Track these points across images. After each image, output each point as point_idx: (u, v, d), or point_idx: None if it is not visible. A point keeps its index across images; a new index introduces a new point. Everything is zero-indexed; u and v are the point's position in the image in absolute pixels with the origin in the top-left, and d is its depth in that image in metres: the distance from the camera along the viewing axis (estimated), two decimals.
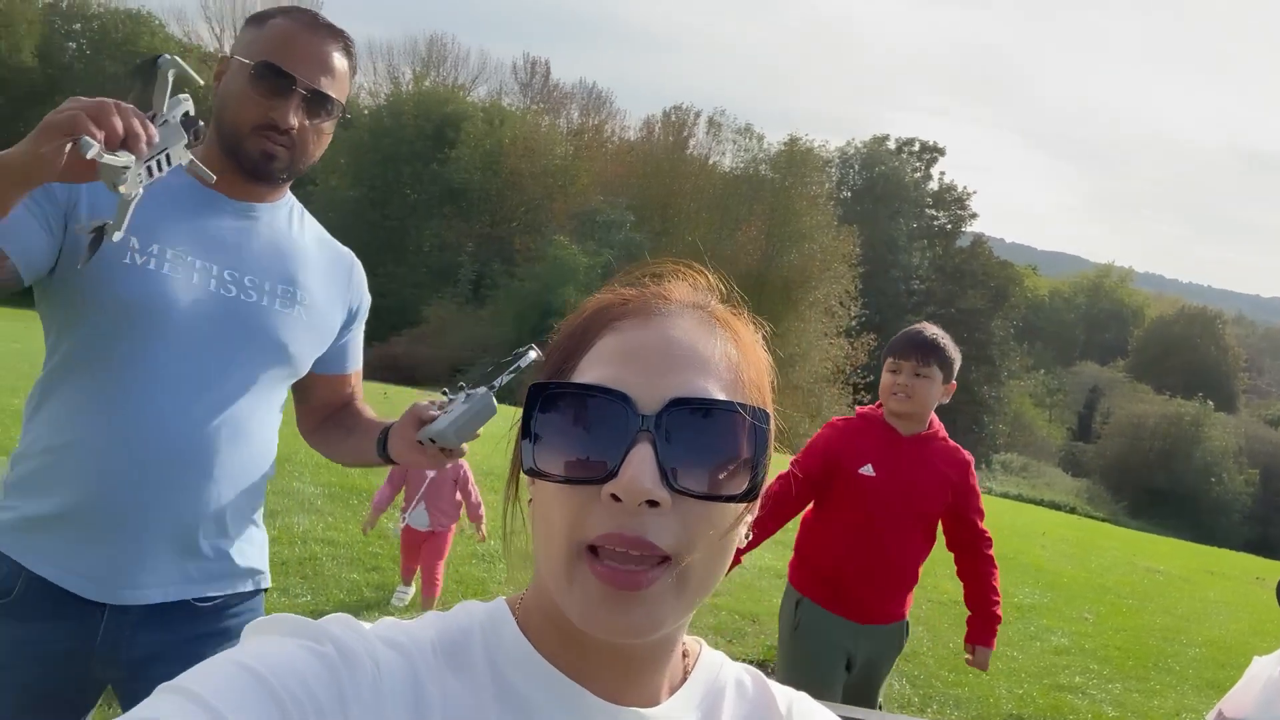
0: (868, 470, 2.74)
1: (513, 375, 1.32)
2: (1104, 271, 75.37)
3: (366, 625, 0.65)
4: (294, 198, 1.69)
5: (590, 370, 0.63)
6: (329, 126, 1.59)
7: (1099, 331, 69.32)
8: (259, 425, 1.58)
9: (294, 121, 1.50)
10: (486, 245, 34.82)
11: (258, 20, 1.56)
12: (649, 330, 0.63)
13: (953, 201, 52.78)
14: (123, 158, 1.11)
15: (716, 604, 5.97)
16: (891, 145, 52.90)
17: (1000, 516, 19.30)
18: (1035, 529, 15.10)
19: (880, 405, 2.88)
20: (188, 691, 0.54)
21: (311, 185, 34.49)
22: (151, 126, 1.17)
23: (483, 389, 1.40)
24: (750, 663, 4.40)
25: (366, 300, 1.80)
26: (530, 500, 0.67)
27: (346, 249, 1.76)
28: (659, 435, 0.58)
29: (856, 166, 51.85)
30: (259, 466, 1.60)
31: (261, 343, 1.54)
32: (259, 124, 1.49)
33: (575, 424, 0.60)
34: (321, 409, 1.80)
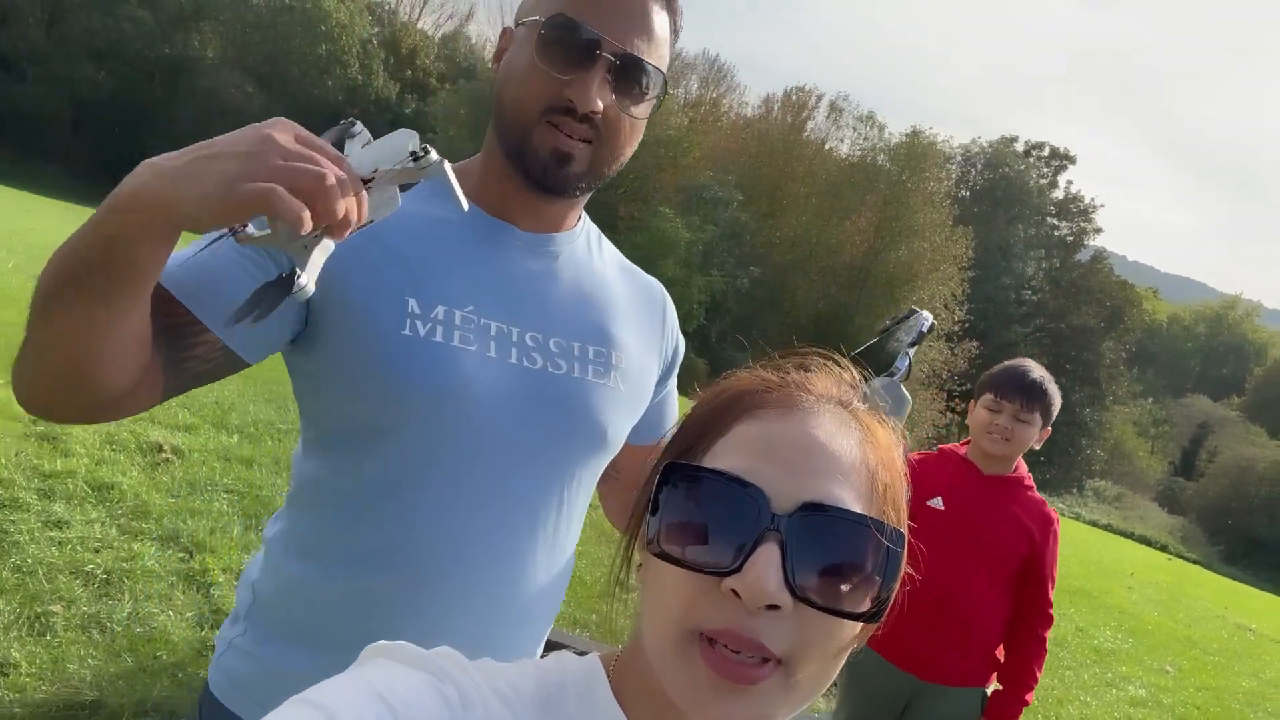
0: (936, 503, 2.58)
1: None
2: (1230, 303, 71.40)
3: (474, 667, 0.65)
4: (588, 217, 1.29)
5: (725, 456, 0.61)
6: (646, 111, 1.12)
7: (1216, 365, 65.92)
8: (570, 538, 1.21)
9: (598, 102, 1.05)
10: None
11: None
12: (789, 424, 0.62)
13: (1077, 213, 50.52)
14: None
15: None
16: (1019, 148, 50.87)
17: (1089, 548, 18.67)
18: (1123, 568, 14.51)
19: (966, 443, 2.74)
20: (321, 707, 0.54)
21: (432, 134, 35.20)
22: (364, 202, 0.79)
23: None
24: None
25: (681, 345, 1.40)
26: (640, 565, 0.66)
27: (654, 280, 1.36)
28: (788, 537, 0.56)
29: (979, 166, 50.06)
30: (561, 589, 1.24)
31: (576, 428, 1.14)
32: (550, 106, 1.06)
33: (704, 510, 0.59)
34: (632, 484, 1.35)
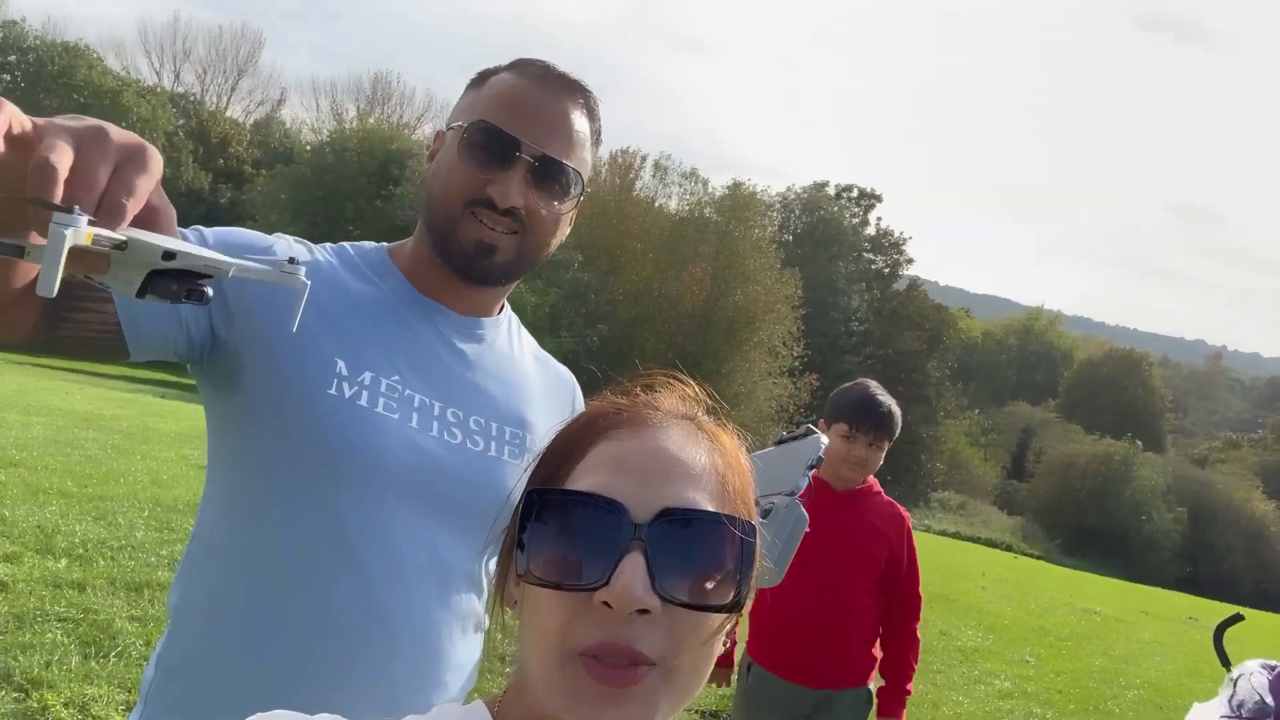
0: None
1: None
2: (1034, 315, 77.83)
3: None
4: (509, 306, 1.34)
5: (584, 478, 0.64)
6: (567, 207, 1.19)
7: (1030, 373, 71.34)
8: (478, 612, 1.21)
9: (518, 199, 1.12)
10: None
11: (478, 80, 1.22)
12: (641, 440, 0.65)
13: (889, 246, 54.12)
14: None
15: None
16: (831, 191, 54.13)
17: (941, 555, 19.62)
18: (975, 569, 15.36)
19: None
20: None
21: (252, 221, 33.98)
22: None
23: None
24: (703, 713, 4.32)
25: None
26: (515, 603, 0.68)
27: (565, 370, 1.41)
28: (651, 544, 0.59)
29: (798, 211, 52.87)
30: (475, 659, 1.22)
31: (492, 506, 1.12)
32: (473, 199, 1.13)
33: (568, 530, 0.62)
34: None
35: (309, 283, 0.74)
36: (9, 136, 0.60)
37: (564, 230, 1.23)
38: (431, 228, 1.18)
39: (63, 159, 0.59)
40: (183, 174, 39.57)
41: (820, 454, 1.32)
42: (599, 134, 1.24)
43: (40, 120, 0.63)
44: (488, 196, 1.13)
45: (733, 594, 0.62)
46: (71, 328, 0.96)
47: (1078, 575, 24.99)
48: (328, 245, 1.23)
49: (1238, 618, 3.48)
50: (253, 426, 1.09)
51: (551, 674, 0.61)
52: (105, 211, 0.60)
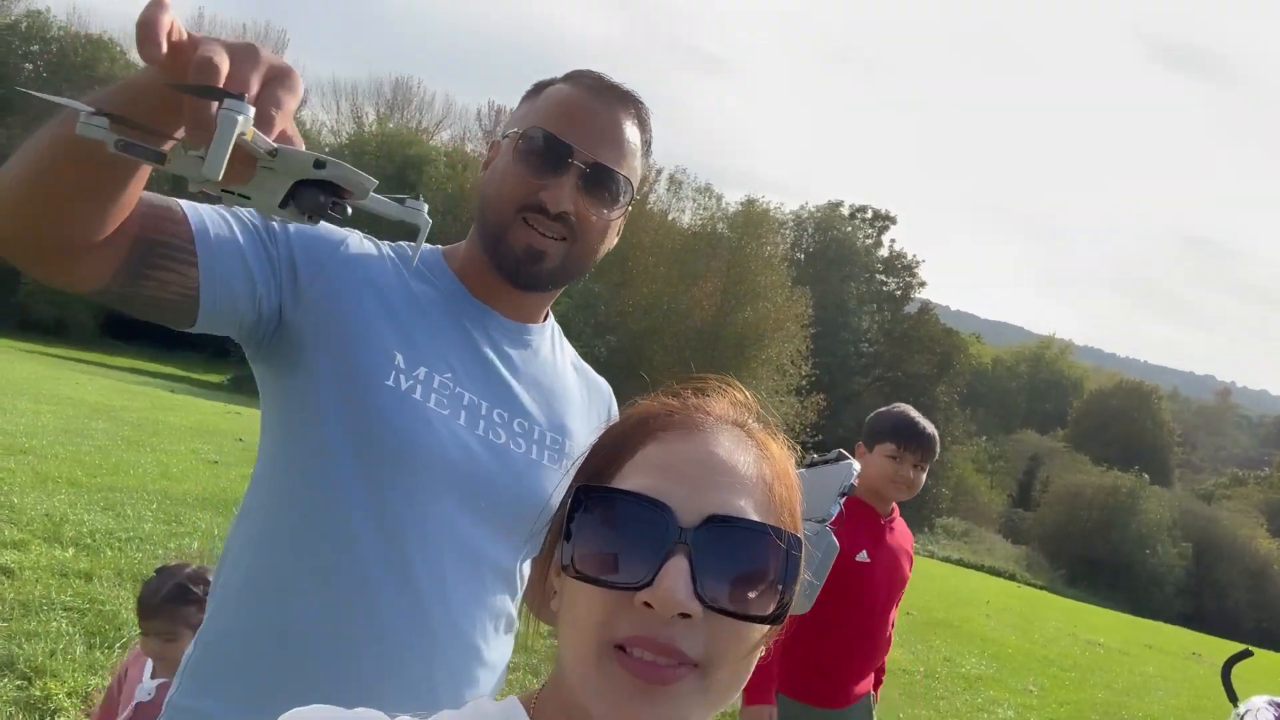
0: (863, 557, 2.73)
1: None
2: (1045, 343, 77.63)
3: None
4: (553, 315, 1.37)
5: (633, 477, 0.64)
6: (617, 215, 1.22)
7: (1040, 401, 71.08)
8: (515, 606, 1.24)
9: (569, 204, 1.15)
10: None
11: (534, 90, 1.26)
12: (691, 444, 0.65)
13: (902, 269, 54.03)
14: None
15: None
16: (845, 211, 54.14)
17: (945, 581, 19.50)
18: (979, 596, 15.26)
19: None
20: None
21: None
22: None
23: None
24: None
25: None
26: (555, 594, 0.69)
27: (602, 380, 1.45)
28: (696, 549, 0.59)
29: (810, 230, 52.87)
30: (507, 653, 1.25)
31: (529, 507, 1.16)
32: (525, 204, 1.16)
33: (615, 528, 0.62)
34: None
35: (430, 221, 0.77)
36: (170, 41, 0.63)
37: (612, 238, 1.26)
38: (484, 232, 1.21)
39: (223, 61, 0.64)
40: None
41: (854, 481, 1.30)
42: (649, 144, 1.27)
43: (196, 33, 0.68)
44: (540, 201, 1.16)
45: (775, 605, 0.62)
46: (151, 286, 0.98)
47: (1081, 606, 24.80)
48: (387, 242, 1.26)
49: (1246, 653, 3.45)
50: (309, 409, 1.11)
51: (588, 667, 0.61)
52: (256, 120, 0.64)
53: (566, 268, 1.21)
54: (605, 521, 0.62)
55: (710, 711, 0.63)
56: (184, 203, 1.02)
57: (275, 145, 0.65)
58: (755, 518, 0.63)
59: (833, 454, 1.42)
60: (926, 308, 53.43)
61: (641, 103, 1.24)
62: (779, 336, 35.32)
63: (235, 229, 1.05)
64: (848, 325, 48.45)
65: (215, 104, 0.62)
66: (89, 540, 5.35)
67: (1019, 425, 65.60)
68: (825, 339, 42.35)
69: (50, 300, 33.19)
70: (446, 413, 1.14)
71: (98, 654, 3.80)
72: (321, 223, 1.11)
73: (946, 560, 35.91)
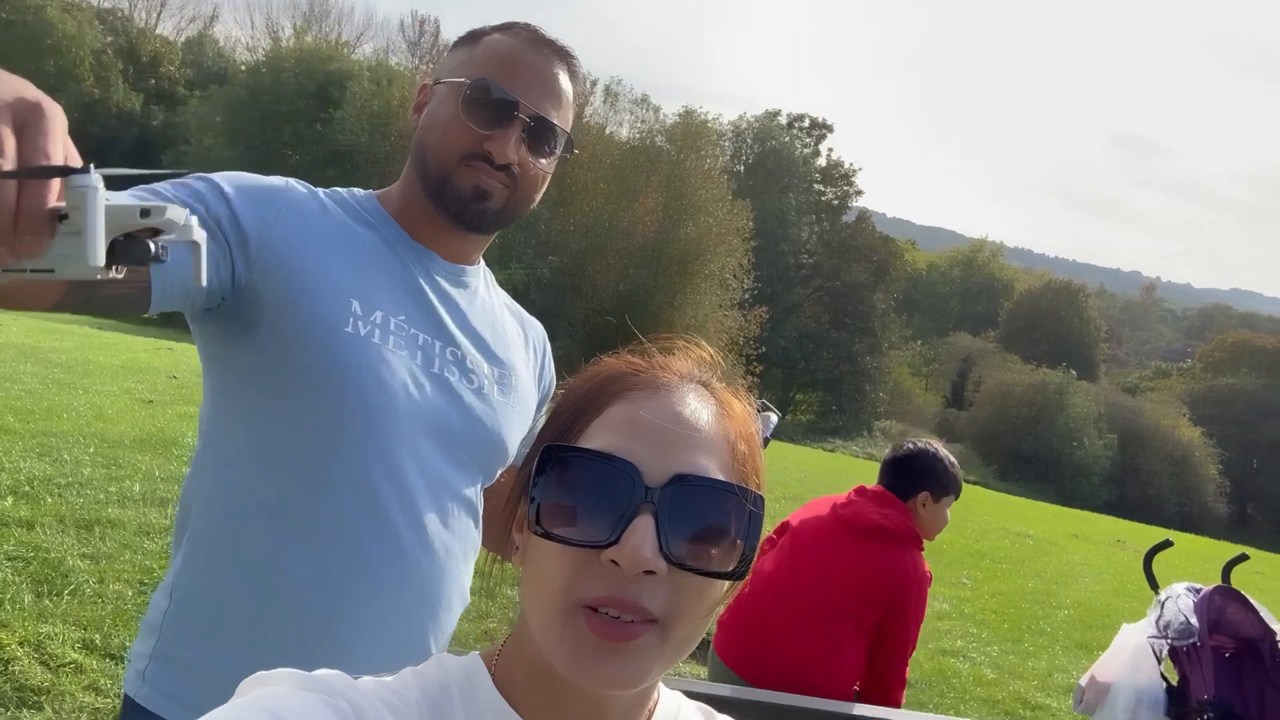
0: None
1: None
2: (977, 246, 78.91)
3: (359, 682, 0.67)
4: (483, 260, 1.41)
5: (599, 437, 0.65)
6: (552, 165, 1.28)
7: (972, 303, 72.70)
8: (477, 534, 1.30)
9: (513, 155, 1.20)
10: None
11: (470, 38, 1.28)
12: (656, 403, 0.66)
13: (840, 178, 54.16)
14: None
15: None
16: (783, 120, 53.77)
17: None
18: None
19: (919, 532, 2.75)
20: None
21: (185, 145, 32.71)
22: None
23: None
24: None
25: (553, 379, 1.50)
26: (517, 549, 0.70)
27: (533, 318, 1.50)
28: (661, 507, 0.61)
29: (749, 141, 52.49)
30: (469, 579, 1.30)
31: (484, 435, 1.26)
32: (469, 153, 1.20)
33: (581, 487, 0.63)
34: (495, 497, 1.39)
35: (204, 235, 0.68)
36: None
37: (545, 185, 1.31)
38: (425, 177, 1.24)
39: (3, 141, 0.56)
40: (113, 95, 37.74)
41: (769, 434, 1.35)
42: (581, 95, 1.33)
43: None
44: (485, 152, 1.20)
45: (737, 561, 0.64)
46: (104, 292, 0.95)
47: (1012, 500, 25.94)
48: (323, 190, 1.27)
49: (1167, 544, 3.64)
50: (270, 365, 1.14)
51: (553, 626, 0.63)
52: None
53: (506, 211, 1.25)
54: (571, 481, 0.63)
55: (669, 665, 0.65)
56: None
57: (139, 204, 0.59)
58: (719, 476, 0.64)
59: (756, 405, 1.47)
60: (864, 216, 53.85)
61: (575, 57, 1.29)
62: (721, 251, 35.37)
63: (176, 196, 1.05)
64: (787, 237, 48.64)
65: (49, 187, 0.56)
66: (27, 488, 5.24)
67: (952, 328, 67.17)
68: (766, 251, 42.52)
69: None
70: (404, 353, 1.18)
71: (46, 602, 3.77)
72: (260, 181, 1.10)
73: None
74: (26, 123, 0.59)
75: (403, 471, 1.16)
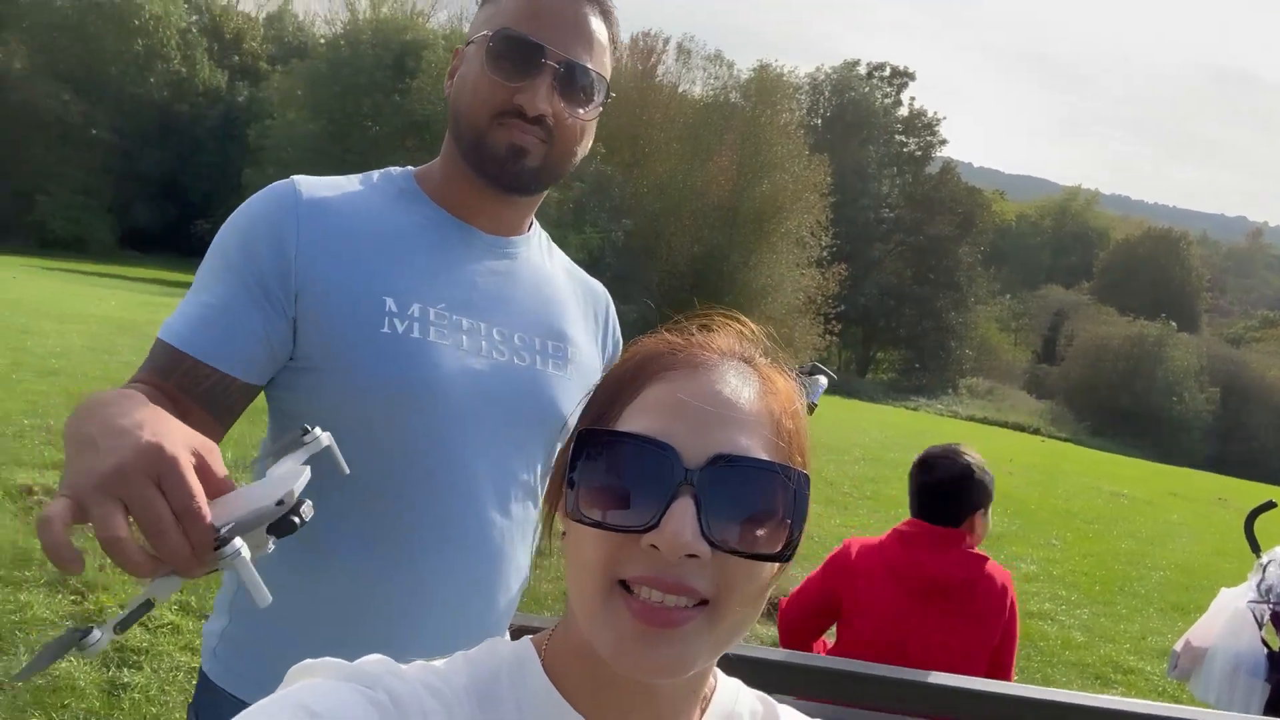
0: None
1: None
2: (1070, 194, 75.86)
3: (405, 668, 0.67)
4: (538, 224, 1.37)
5: (636, 419, 0.64)
6: (592, 113, 1.21)
7: (1065, 255, 70.04)
8: (533, 517, 1.26)
9: (545, 105, 1.14)
10: None
11: None
12: (695, 382, 0.65)
13: (922, 128, 52.53)
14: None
15: None
16: (862, 70, 52.30)
17: (968, 441, 19.58)
18: (1002, 455, 15.41)
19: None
20: None
21: (270, 119, 33.53)
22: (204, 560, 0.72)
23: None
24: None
25: (619, 341, 1.44)
26: (564, 534, 0.68)
27: (598, 283, 1.44)
28: (701, 489, 0.59)
29: (827, 93, 51.28)
30: (528, 563, 1.29)
31: (540, 415, 1.22)
32: (501, 110, 1.15)
33: (619, 471, 0.61)
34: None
35: (327, 436, 0.93)
36: (70, 524, 0.70)
37: (589, 138, 1.25)
38: (460, 141, 1.20)
39: (119, 529, 0.69)
40: (199, 72, 38.91)
41: (816, 399, 1.25)
42: (616, 40, 1.25)
43: (71, 485, 0.72)
44: (516, 105, 1.14)
45: (784, 542, 0.61)
46: (237, 409, 1.12)
47: (1106, 458, 25.09)
48: (356, 176, 1.24)
49: (1270, 504, 3.46)
50: (323, 382, 1.13)
51: (595, 610, 0.62)
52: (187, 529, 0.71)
53: (547, 167, 1.20)
54: (609, 465, 0.62)
55: (718, 651, 0.63)
56: (189, 350, 1.07)
57: (228, 536, 0.71)
58: (762, 455, 0.62)
59: (806, 367, 1.39)
60: (948, 167, 52.17)
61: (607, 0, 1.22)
62: (798, 208, 34.70)
63: (228, 316, 1.09)
64: (867, 191, 47.57)
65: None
66: None
67: (1044, 281, 64.83)
68: (845, 207, 41.66)
69: (67, 216, 33.19)
70: (448, 343, 1.15)
71: None
72: (262, 208, 1.16)
73: (971, 419, 36.25)
74: (161, 475, 0.72)
75: (460, 461, 1.14)
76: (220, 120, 38.47)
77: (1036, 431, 36.77)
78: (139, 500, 0.70)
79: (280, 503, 0.74)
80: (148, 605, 0.72)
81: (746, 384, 0.66)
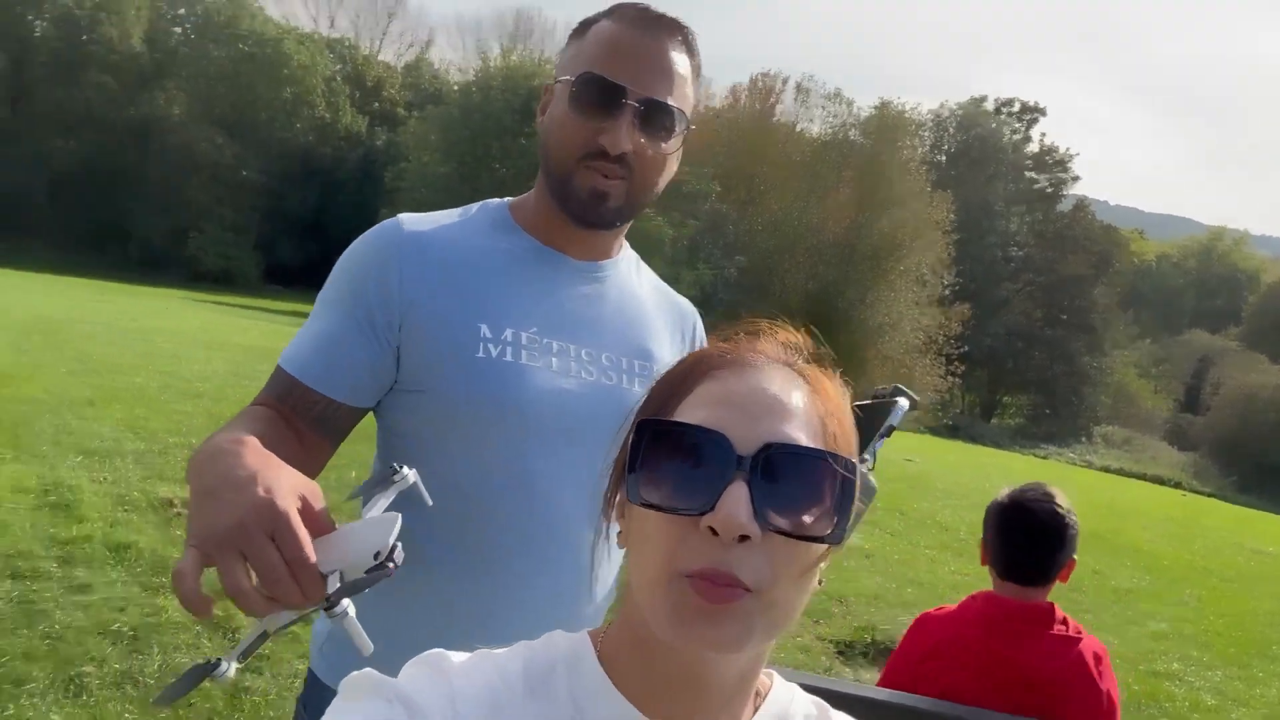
0: None
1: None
2: (1217, 234, 71.45)
3: (457, 658, 0.71)
4: (628, 245, 1.42)
5: (690, 412, 0.68)
6: (674, 146, 1.26)
7: (1210, 298, 65.86)
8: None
9: (627, 145, 1.19)
10: None
11: (579, 30, 1.28)
12: (744, 379, 0.69)
13: (1054, 164, 50.62)
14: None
15: None
16: (989, 106, 51.01)
17: (1100, 492, 18.72)
18: (1137, 507, 14.62)
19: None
20: None
21: (405, 162, 35.29)
22: (310, 562, 0.80)
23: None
24: (838, 643, 4.37)
25: None
26: (620, 532, 0.73)
27: (685, 300, 1.49)
28: (754, 475, 0.63)
29: (951, 129, 50.17)
30: (613, 578, 1.35)
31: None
32: (587, 151, 1.21)
33: (677, 459, 0.66)
34: None
35: (414, 474, 1.01)
36: (200, 575, 0.79)
37: (671, 168, 1.30)
38: (549, 179, 1.27)
39: (243, 581, 0.78)
40: (341, 118, 41.42)
41: (897, 422, 1.25)
42: (699, 69, 1.29)
43: (198, 538, 0.81)
44: (600, 146, 1.20)
45: (832, 526, 0.65)
46: (345, 430, 1.24)
47: (1251, 514, 23.29)
48: (456, 210, 1.33)
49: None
50: (419, 403, 1.22)
51: (658, 592, 0.65)
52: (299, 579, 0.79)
53: (629, 204, 1.26)
54: (667, 453, 0.66)
55: (772, 633, 0.67)
56: (302, 377, 1.18)
57: (336, 584, 0.80)
58: (809, 445, 0.66)
59: (888, 389, 1.40)
60: (1081, 205, 50.00)
61: (686, 27, 1.26)
62: (918, 245, 33.98)
63: (339, 345, 1.20)
64: (994, 229, 46.12)
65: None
66: None
67: (1187, 325, 61.09)
68: (970, 244, 40.50)
69: (218, 252, 35.72)
70: (539, 365, 1.22)
71: None
72: (371, 246, 1.26)
73: (1105, 470, 34.34)
74: (275, 530, 0.79)
75: (549, 475, 1.21)
76: (360, 162, 40.79)
77: (1178, 485, 34.50)
78: (257, 554, 0.79)
79: (376, 554, 0.83)
80: (264, 636, 0.82)
81: (792, 384, 0.70)
